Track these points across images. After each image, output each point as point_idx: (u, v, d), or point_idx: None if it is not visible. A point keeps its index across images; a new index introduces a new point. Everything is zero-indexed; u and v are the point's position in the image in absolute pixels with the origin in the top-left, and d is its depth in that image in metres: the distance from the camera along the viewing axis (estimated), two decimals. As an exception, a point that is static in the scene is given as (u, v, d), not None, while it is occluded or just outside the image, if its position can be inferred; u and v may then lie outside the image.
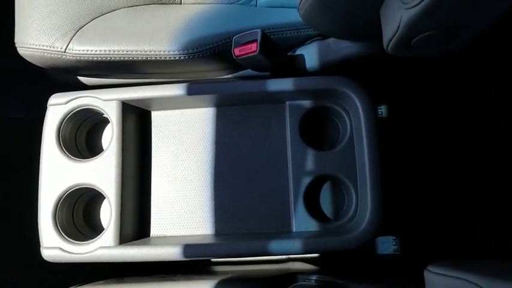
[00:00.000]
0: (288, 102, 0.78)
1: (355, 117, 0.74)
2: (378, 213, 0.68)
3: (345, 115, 0.78)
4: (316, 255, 1.05)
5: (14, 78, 0.92)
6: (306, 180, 0.74)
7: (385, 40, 0.56)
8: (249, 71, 0.85)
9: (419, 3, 0.44)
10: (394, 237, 1.06)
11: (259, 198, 0.77)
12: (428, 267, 0.52)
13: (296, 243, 0.68)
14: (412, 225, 1.06)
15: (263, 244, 0.68)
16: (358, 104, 0.72)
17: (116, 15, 0.78)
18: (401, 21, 0.50)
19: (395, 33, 0.53)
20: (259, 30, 0.72)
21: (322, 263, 1.04)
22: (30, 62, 0.80)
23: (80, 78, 0.87)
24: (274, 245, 0.68)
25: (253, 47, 0.72)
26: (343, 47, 0.79)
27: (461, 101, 1.09)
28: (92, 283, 0.76)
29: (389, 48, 0.57)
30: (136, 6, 0.81)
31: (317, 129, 0.80)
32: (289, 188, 0.75)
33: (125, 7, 0.80)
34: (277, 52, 0.78)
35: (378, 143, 0.70)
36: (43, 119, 0.78)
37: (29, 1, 0.78)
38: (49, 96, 0.79)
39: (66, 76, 0.87)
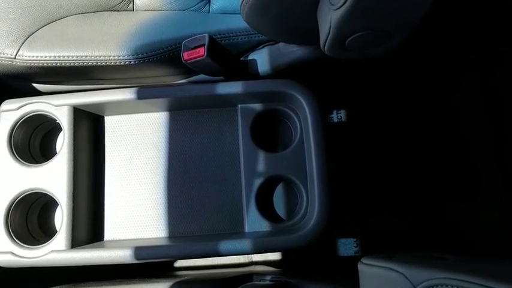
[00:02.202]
0: (239, 106, 0.80)
1: (304, 119, 0.76)
2: (324, 212, 0.70)
3: (295, 117, 0.80)
4: (277, 257, 1.07)
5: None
6: (258, 182, 0.76)
7: (321, 41, 0.59)
8: (202, 76, 0.87)
9: (344, 4, 0.46)
10: (355, 239, 1.09)
11: (212, 201, 0.79)
12: (361, 260, 0.54)
13: (246, 243, 0.69)
14: (373, 226, 1.08)
15: (214, 245, 0.70)
16: (306, 106, 0.74)
17: (66, 22, 0.79)
18: (331, 22, 0.53)
19: (328, 35, 0.55)
20: (206, 35, 0.74)
21: (283, 265, 1.06)
22: None
23: (34, 84, 0.87)
24: (225, 245, 0.69)
25: (201, 51, 0.74)
26: (291, 51, 0.81)
27: (413, 101, 1.13)
28: None
29: (325, 49, 0.59)
30: (87, 13, 0.82)
31: (270, 131, 0.83)
32: (242, 190, 0.77)
33: (75, 14, 0.81)
34: (226, 56, 0.80)
35: (324, 144, 0.72)
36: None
37: (-22, 9, 0.78)
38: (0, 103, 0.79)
39: (18, 83, 0.87)
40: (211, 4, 0.88)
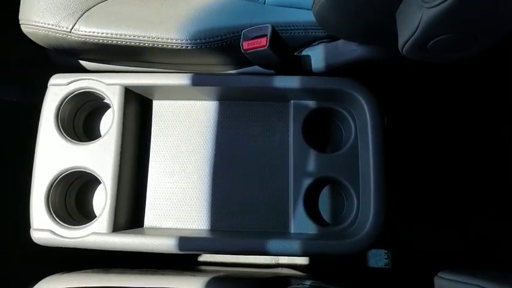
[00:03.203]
0: (292, 101, 0.78)
1: (361, 120, 0.74)
2: (380, 219, 0.67)
3: (349, 118, 0.77)
4: (304, 262, 1.03)
5: (13, 59, 0.89)
6: (307, 182, 0.74)
7: (401, 41, 0.56)
8: (253, 69, 0.84)
9: (442, 2, 0.44)
10: (386, 251, 1.06)
11: (257, 196, 0.76)
12: (439, 274, 0.51)
13: (296, 244, 0.66)
14: (406, 239, 1.05)
15: (262, 243, 0.67)
16: (365, 108, 0.71)
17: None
18: (421, 21, 0.50)
19: (412, 34, 0.53)
20: (269, 25, 0.72)
21: (311, 271, 1.03)
22: (29, 43, 0.78)
23: (82, 62, 0.85)
24: (273, 244, 0.66)
25: (263, 41, 0.71)
26: (352, 50, 0.79)
27: (463, 113, 1.10)
28: (77, 271, 0.73)
29: (404, 49, 0.57)
30: (145, -7, 0.79)
31: (320, 130, 0.80)
32: (289, 188, 0.74)
33: (134, -7, 0.79)
34: (285, 49, 0.77)
35: (384, 148, 0.70)
36: (40, 102, 0.76)
37: (37, -21, 0.76)
38: (48, 78, 0.77)
39: (67, 59, 0.85)
40: (268, -4, 0.86)
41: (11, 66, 0.95)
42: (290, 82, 0.74)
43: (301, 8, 0.85)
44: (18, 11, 0.78)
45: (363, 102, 0.72)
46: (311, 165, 0.74)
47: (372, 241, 0.66)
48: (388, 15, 0.59)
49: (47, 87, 0.77)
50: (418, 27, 0.52)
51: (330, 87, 0.74)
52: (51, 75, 0.77)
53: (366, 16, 0.63)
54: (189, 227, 0.75)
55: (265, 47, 0.71)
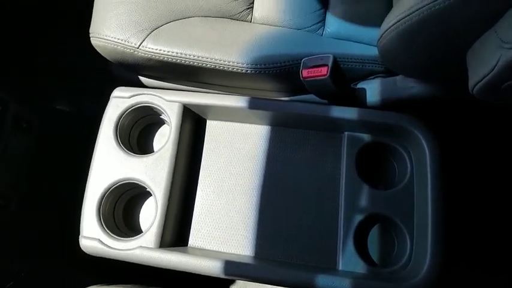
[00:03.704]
0: (346, 133, 0.77)
1: (418, 159, 0.72)
2: (437, 265, 0.64)
3: (405, 155, 0.76)
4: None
5: (75, 71, 0.94)
6: (358, 217, 0.71)
7: (473, 81, 0.55)
8: (307, 97, 0.85)
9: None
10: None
11: (304, 227, 0.74)
12: None
13: (346, 283, 0.63)
14: (444, 277, 1.00)
15: (309, 277, 0.64)
16: (424, 146, 0.70)
17: (191, 21, 0.80)
18: (499, 62, 0.49)
19: (487, 75, 0.52)
20: (331, 56, 0.72)
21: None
22: (90, 57, 0.81)
23: (141, 77, 0.88)
24: (321, 280, 0.64)
25: (323, 70, 0.72)
26: (410, 86, 0.78)
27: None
28: (116, 285, 0.73)
29: (475, 90, 0.55)
30: (210, 17, 0.82)
31: (373, 165, 0.78)
32: (339, 223, 0.72)
33: (199, 16, 0.81)
34: (343, 80, 0.77)
35: (443, 188, 0.67)
36: (97, 113, 0.78)
37: (110, -3, 0.80)
38: (107, 91, 0.79)
39: (127, 73, 0.88)
40: (325, 27, 0.87)
41: (73, 78, 0.99)
42: (347, 113, 0.73)
43: (358, 42, 0.86)
44: (82, 25, 0.82)
45: (421, 139, 0.71)
46: (363, 201, 0.72)
47: (428, 286, 0.62)
48: (458, 53, 0.59)
49: (104, 98, 0.79)
50: (494, 67, 0.50)
51: (387, 121, 0.73)
52: (109, 88, 0.80)
53: (435, 53, 0.63)
54: (233, 251, 0.73)
55: (326, 76, 0.71)
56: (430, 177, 0.67)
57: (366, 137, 0.77)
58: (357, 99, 0.84)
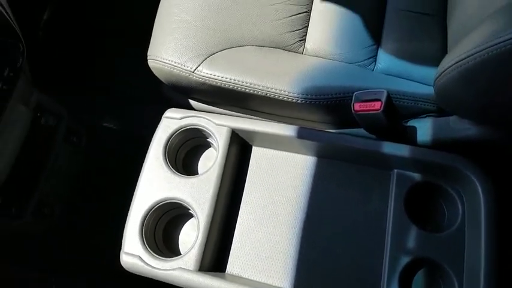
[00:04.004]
0: (395, 171, 0.75)
1: (472, 203, 0.68)
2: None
3: (456, 198, 0.72)
4: None
5: (128, 90, 0.98)
6: (404, 259, 0.68)
7: None
8: (355, 131, 0.84)
9: None
10: None
11: (345, 264, 0.72)
12: None
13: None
14: None
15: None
16: (480, 191, 0.66)
17: (245, 50, 0.82)
18: None
19: None
20: (385, 91, 0.72)
21: None
22: (144, 78, 0.84)
23: (191, 100, 0.90)
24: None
25: (376, 105, 0.71)
26: (465, 128, 0.76)
27: None
28: None
29: None
30: (263, 46, 0.84)
31: (422, 205, 0.75)
32: (384, 263, 0.69)
33: (253, 45, 0.83)
34: (396, 116, 0.76)
35: (498, 237, 0.63)
36: (145, 133, 0.80)
37: (170, 22, 0.84)
38: (158, 111, 0.82)
39: (177, 95, 0.91)
40: (377, 63, 0.87)
41: (124, 97, 1.03)
42: (398, 150, 0.72)
43: (409, 80, 0.85)
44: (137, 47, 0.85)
45: (476, 183, 0.67)
46: (410, 243, 0.69)
47: None
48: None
49: (153, 119, 0.81)
50: None
51: (440, 162, 0.70)
52: (158, 108, 0.82)
53: (496, 95, 0.61)
54: (270, 282, 0.71)
55: (379, 111, 0.70)
56: (484, 224, 0.64)
57: (416, 176, 0.74)
58: (407, 136, 0.82)
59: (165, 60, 0.80)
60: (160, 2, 0.89)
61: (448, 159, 0.70)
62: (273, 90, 0.76)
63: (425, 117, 0.83)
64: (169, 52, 0.80)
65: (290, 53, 0.86)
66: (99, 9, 1.26)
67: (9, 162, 0.70)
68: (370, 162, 0.76)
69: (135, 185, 0.74)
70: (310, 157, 0.79)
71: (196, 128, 0.78)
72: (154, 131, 0.78)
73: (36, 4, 1.21)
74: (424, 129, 0.81)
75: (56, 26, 1.26)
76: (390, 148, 0.72)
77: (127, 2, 1.27)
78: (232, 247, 0.74)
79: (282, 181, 0.78)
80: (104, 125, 1.06)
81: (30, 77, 0.79)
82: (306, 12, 0.87)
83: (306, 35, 0.87)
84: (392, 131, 0.78)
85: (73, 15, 1.27)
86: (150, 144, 0.76)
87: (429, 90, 0.83)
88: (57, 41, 1.22)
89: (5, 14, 0.66)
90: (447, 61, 0.64)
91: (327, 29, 0.86)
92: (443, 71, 0.64)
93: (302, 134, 0.75)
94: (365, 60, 0.87)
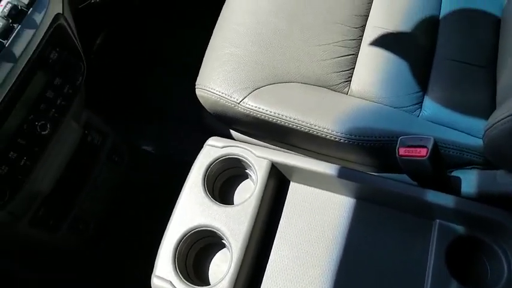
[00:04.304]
0: (438, 221, 0.72)
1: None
2: None
3: (501, 256, 0.69)
4: None
5: (171, 116, 1.01)
6: None
7: None
8: (396, 177, 0.82)
9: None
10: None
11: (381, 313, 0.68)
12: None
13: None
14: None
15: None
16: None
17: (291, 86, 0.84)
18: None
19: None
20: (431, 138, 0.70)
21: None
22: (188, 105, 0.87)
23: (232, 131, 0.92)
24: None
25: (422, 151, 0.70)
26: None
27: None
28: None
29: None
30: (309, 84, 0.85)
31: (463, 260, 0.72)
32: None
33: (299, 82, 0.85)
34: (441, 165, 0.74)
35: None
36: (185, 157, 0.81)
37: (221, 54, 0.87)
38: (198, 139, 0.83)
39: (220, 125, 0.92)
40: (422, 110, 0.87)
41: (167, 122, 1.07)
42: (442, 199, 0.69)
43: (455, 130, 0.84)
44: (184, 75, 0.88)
45: (525, 242, 0.64)
46: (450, 297, 0.65)
47: None
48: None
49: (193, 145, 0.82)
50: None
51: (485, 215, 0.68)
52: (199, 136, 0.83)
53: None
54: (300, 325, 0.68)
55: (424, 158, 0.69)
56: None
57: (459, 228, 0.71)
58: (451, 187, 0.79)
59: (212, 90, 0.82)
60: (213, 34, 0.93)
61: (493, 214, 0.67)
62: (317, 127, 0.77)
63: (470, 168, 0.81)
64: (217, 83, 0.82)
65: (335, 92, 0.86)
66: (151, 37, 1.33)
67: (55, 176, 0.72)
68: (412, 210, 0.74)
69: (171, 209, 0.75)
70: (350, 198, 0.78)
71: (236, 158, 0.78)
72: (193, 158, 0.79)
73: (92, 28, 1.29)
74: (469, 180, 0.79)
75: (108, 50, 1.33)
76: (434, 197, 0.70)
77: (178, 31, 1.34)
78: (263, 283, 0.72)
79: (318, 220, 0.76)
80: (146, 148, 1.09)
81: (84, 96, 0.83)
82: (353, 54, 0.89)
83: (351, 76, 0.88)
84: (436, 180, 0.76)
85: (124, 41, 1.34)
86: (190, 170, 0.77)
87: (475, 141, 0.81)
88: (107, 65, 1.29)
89: (72, 34, 0.71)
90: (500, 113, 0.63)
91: (373, 72, 0.87)
92: (495, 123, 0.63)
93: (343, 174, 0.74)
94: (410, 106, 0.86)
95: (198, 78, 0.87)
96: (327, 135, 0.76)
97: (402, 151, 0.72)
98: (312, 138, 0.79)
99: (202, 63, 0.90)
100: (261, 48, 0.86)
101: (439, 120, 0.85)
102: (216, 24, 0.94)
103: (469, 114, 0.85)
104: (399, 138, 0.73)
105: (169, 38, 1.33)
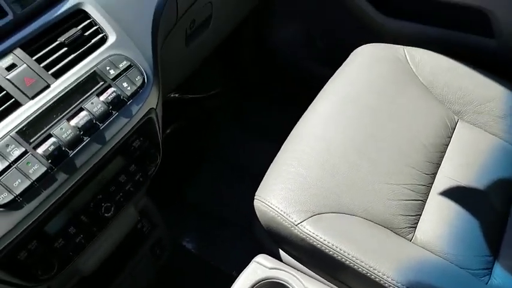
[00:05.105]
0: None
1: None
2: None
3: None
4: None
5: (222, 221, 0.99)
6: None
7: None
8: None
9: None
10: None
11: None
12: None
13: None
14: None
15: None
16: None
17: (353, 220, 0.80)
18: None
19: None
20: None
21: None
22: (241, 214, 0.85)
23: (281, 251, 0.87)
24: None
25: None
26: None
27: None
28: None
29: None
30: (372, 221, 0.82)
31: None
32: None
33: (362, 217, 0.81)
34: None
35: None
36: (226, 266, 0.77)
37: (285, 171, 0.86)
38: (244, 250, 0.79)
39: (270, 242, 0.88)
40: (492, 277, 0.79)
41: (217, 225, 1.05)
42: None
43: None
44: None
45: None
46: None
47: None
48: None
49: (238, 255, 0.79)
50: None
51: None
52: (245, 248, 0.80)
53: None
54: None
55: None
56: None
57: None
58: None
59: (271, 205, 0.80)
60: (281, 150, 0.94)
61: None
62: (376, 271, 0.71)
63: None
64: (277, 199, 0.81)
65: (399, 237, 0.82)
66: (207, 137, 1.38)
67: (101, 259, 0.71)
68: None
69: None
70: None
71: (283, 284, 0.73)
72: (233, 267, 0.75)
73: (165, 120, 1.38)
74: None
75: (174, 143, 1.40)
76: None
77: (246, 136, 1.39)
78: None
79: None
80: (189, 247, 1.06)
81: (148, 184, 0.84)
82: (422, 201, 0.86)
83: (417, 222, 0.83)
84: None
85: (184, 137, 1.41)
86: (233, 285, 0.72)
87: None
88: (170, 155, 1.35)
89: (157, 127, 0.75)
90: None
91: (441, 223, 0.83)
92: None
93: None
94: (479, 270, 0.79)
95: (258, 189, 0.87)
96: (385, 283, 0.70)
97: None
98: (367, 282, 0.72)
99: (265, 176, 0.90)
100: (327, 174, 0.85)
101: (510, 289, 0.76)
102: (286, 141, 0.95)
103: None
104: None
105: (236, 142, 1.38)
